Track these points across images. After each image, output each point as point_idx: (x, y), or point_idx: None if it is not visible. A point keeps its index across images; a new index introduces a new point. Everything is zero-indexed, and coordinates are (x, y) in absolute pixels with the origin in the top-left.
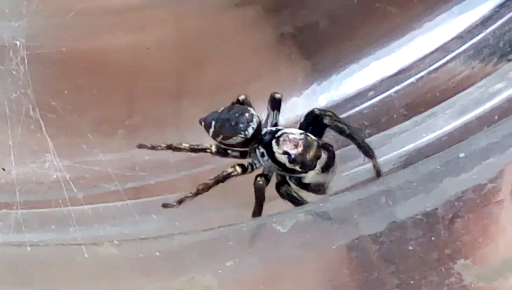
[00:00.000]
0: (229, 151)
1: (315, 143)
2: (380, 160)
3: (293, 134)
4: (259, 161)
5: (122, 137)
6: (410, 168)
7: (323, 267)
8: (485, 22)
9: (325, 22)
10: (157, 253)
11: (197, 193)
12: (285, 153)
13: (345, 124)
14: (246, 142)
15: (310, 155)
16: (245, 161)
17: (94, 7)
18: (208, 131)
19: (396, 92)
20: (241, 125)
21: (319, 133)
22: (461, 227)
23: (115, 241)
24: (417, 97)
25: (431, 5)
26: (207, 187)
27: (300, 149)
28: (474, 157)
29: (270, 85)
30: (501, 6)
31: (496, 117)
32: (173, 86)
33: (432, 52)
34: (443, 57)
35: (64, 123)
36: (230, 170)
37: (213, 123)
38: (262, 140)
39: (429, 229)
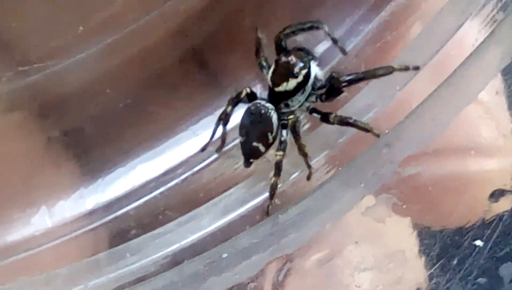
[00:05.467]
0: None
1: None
2: (145, 261)
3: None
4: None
5: None
6: (175, 269)
7: None
8: None
9: (92, 126)
10: None
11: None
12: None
13: None
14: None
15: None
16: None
17: None
18: None
19: (161, 193)
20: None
21: None
22: None
23: None
24: (182, 198)
25: (197, 106)
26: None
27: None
28: (236, 256)
29: (38, 189)
30: None
31: (257, 217)
32: None
33: (197, 153)
34: (207, 158)
35: None
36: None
37: None
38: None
39: None
